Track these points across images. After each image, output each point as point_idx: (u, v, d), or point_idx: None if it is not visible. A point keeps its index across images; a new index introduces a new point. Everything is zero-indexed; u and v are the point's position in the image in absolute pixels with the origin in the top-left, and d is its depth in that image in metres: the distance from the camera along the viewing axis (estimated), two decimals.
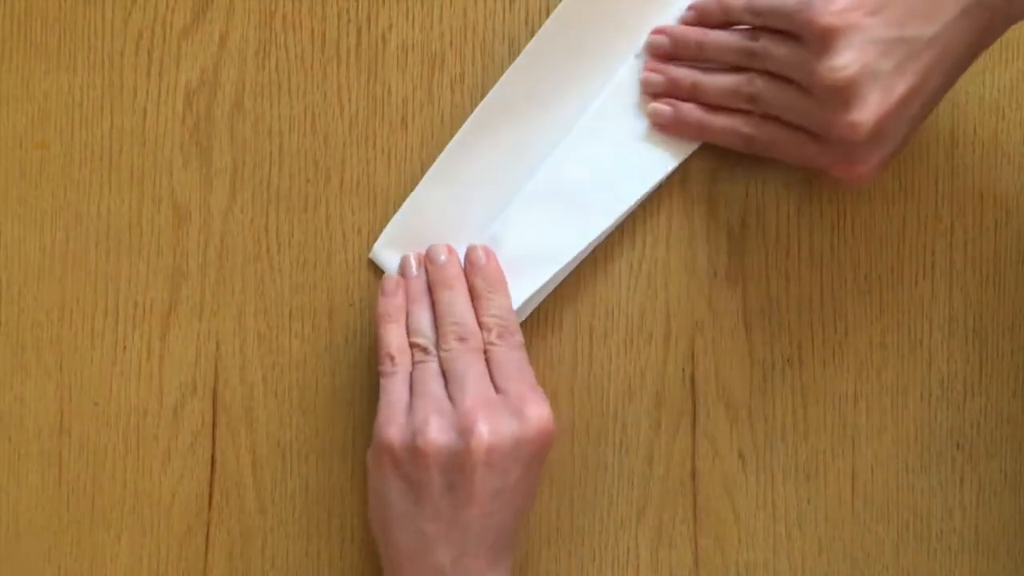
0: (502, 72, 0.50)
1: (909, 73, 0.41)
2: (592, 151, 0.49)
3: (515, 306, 0.48)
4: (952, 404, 0.50)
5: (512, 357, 0.46)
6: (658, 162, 0.48)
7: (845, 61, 0.41)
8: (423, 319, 0.47)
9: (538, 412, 0.43)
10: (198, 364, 0.50)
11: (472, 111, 0.50)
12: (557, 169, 0.49)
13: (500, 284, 0.47)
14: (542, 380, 0.48)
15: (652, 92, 0.48)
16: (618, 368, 0.49)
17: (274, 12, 0.51)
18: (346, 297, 0.50)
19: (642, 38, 0.49)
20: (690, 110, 0.47)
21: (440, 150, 0.50)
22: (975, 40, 0.42)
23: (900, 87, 0.41)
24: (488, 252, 0.48)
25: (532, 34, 0.50)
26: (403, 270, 0.48)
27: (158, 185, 0.51)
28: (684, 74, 0.47)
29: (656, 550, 0.50)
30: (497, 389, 0.44)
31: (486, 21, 0.50)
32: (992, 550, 0.49)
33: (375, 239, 0.50)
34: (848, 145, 0.42)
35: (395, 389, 0.45)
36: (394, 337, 0.46)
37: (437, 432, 0.43)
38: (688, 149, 0.49)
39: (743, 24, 0.46)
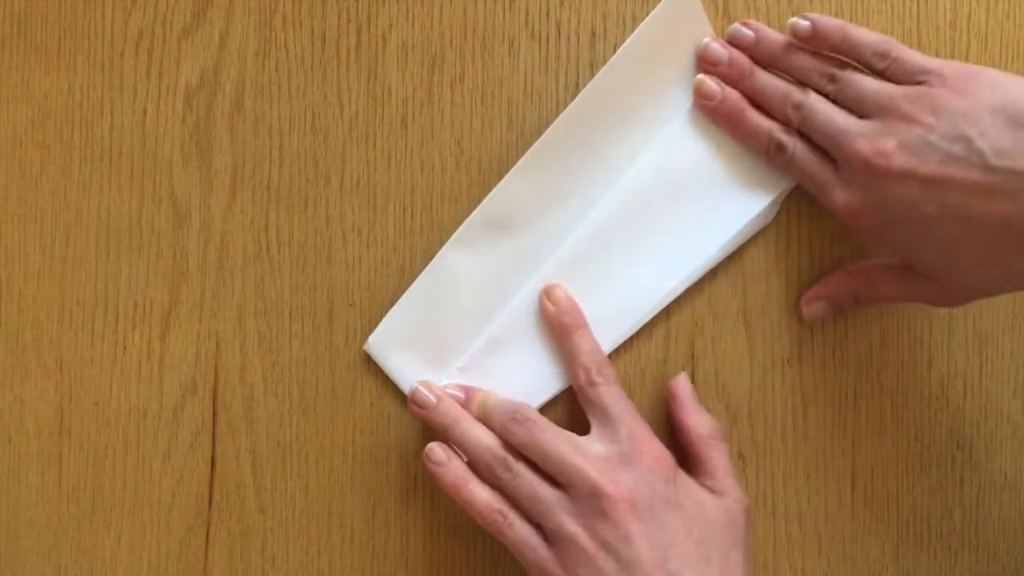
0: (502, 72, 0.50)
1: (948, 168, 0.40)
2: (581, 280, 0.48)
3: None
4: (952, 404, 0.50)
5: (615, 396, 0.45)
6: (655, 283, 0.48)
7: (928, 107, 0.41)
8: (476, 432, 0.45)
9: (649, 448, 0.43)
10: (198, 364, 0.50)
11: (472, 111, 0.50)
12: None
13: (585, 323, 0.47)
14: None
15: (708, 63, 0.47)
16: (618, 368, 0.49)
17: (274, 12, 0.51)
18: (346, 297, 0.50)
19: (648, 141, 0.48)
20: (734, 96, 0.46)
21: (440, 150, 0.50)
22: None
23: (932, 167, 0.40)
24: (567, 292, 0.47)
25: (532, 34, 0.50)
26: (421, 403, 0.47)
27: (158, 185, 0.51)
28: (746, 60, 0.46)
29: None
30: (606, 438, 0.44)
31: (486, 21, 0.50)
32: (992, 550, 0.49)
33: (375, 239, 0.50)
34: (859, 173, 0.42)
35: (524, 536, 0.43)
36: (481, 494, 0.44)
37: (575, 527, 0.42)
38: (723, 236, 0.48)
39: (865, 65, 0.45)
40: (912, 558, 0.49)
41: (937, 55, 0.50)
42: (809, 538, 0.50)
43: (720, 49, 0.47)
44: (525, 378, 0.48)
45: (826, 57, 0.45)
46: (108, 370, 0.51)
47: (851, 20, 0.50)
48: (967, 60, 0.50)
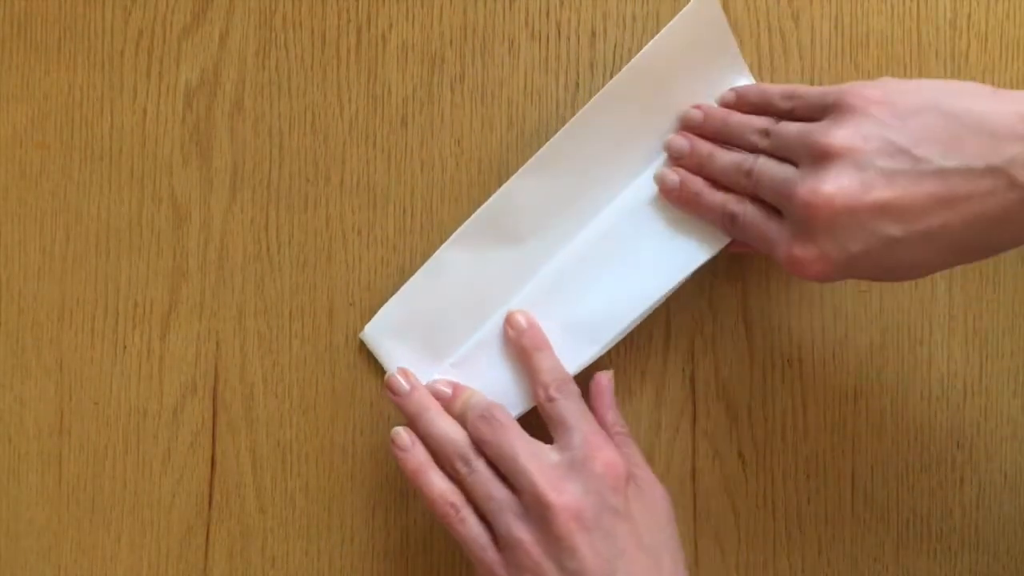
0: (502, 72, 0.50)
1: (899, 186, 0.39)
2: (587, 273, 0.48)
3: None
4: (952, 404, 0.50)
5: (572, 408, 0.45)
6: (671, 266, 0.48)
7: (847, 133, 0.40)
8: (442, 424, 0.46)
9: (601, 454, 0.43)
10: (198, 364, 0.50)
11: (472, 111, 0.50)
12: (558, 278, 0.48)
13: (546, 344, 0.47)
14: None
15: (673, 155, 0.48)
16: (618, 368, 0.49)
17: (274, 12, 0.51)
18: (346, 297, 0.50)
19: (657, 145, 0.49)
20: (693, 181, 0.47)
21: (440, 150, 0.50)
22: (989, 220, 0.38)
23: (881, 191, 0.39)
24: (528, 316, 0.48)
25: (532, 34, 0.50)
26: (395, 389, 0.47)
27: (158, 185, 0.51)
28: (704, 143, 0.47)
29: None
30: (562, 446, 0.44)
31: (486, 21, 0.51)
32: (992, 550, 0.49)
33: (375, 239, 0.50)
34: (805, 222, 0.41)
35: (474, 534, 0.43)
36: (438, 484, 0.44)
37: (523, 533, 0.42)
38: (715, 246, 0.47)
39: (777, 111, 0.45)
40: (912, 558, 0.50)
41: (937, 55, 0.50)
42: (809, 538, 0.50)
43: (683, 142, 0.47)
44: (514, 381, 0.48)
45: (759, 116, 0.46)
46: (108, 370, 0.51)
47: (851, 20, 0.50)
48: (967, 60, 0.50)
